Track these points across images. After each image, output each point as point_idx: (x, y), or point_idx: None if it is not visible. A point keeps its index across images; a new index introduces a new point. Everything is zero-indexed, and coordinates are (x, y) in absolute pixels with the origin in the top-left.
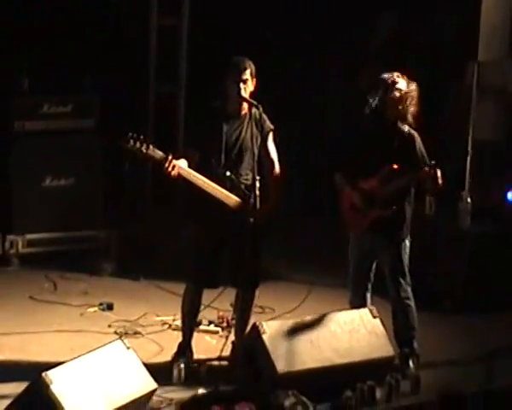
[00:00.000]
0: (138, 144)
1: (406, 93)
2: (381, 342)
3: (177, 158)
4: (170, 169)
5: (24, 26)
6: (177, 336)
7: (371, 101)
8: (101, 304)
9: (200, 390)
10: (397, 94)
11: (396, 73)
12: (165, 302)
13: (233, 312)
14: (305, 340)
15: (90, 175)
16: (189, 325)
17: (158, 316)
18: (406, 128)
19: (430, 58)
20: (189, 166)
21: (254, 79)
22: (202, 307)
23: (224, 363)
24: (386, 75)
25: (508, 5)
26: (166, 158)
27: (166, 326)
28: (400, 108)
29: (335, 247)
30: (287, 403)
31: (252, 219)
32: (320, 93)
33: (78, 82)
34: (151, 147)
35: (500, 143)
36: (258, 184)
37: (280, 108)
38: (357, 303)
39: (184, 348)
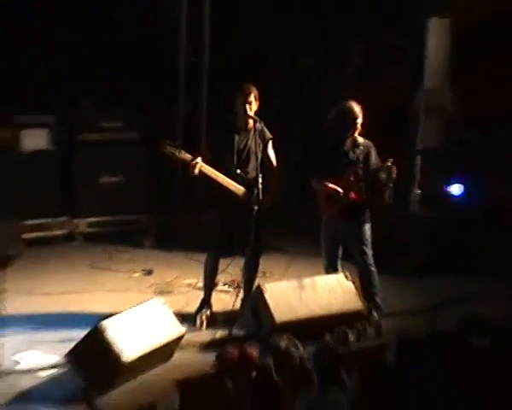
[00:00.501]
0: (172, 149)
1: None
2: (352, 298)
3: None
4: (193, 168)
5: (87, 60)
6: (200, 294)
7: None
8: (143, 270)
9: (217, 334)
10: (359, 123)
11: (357, 107)
12: (191, 269)
13: (242, 276)
14: (296, 297)
15: (134, 174)
16: (209, 285)
17: (185, 279)
18: (361, 140)
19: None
20: (203, 161)
21: (257, 101)
22: (219, 272)
23: (235, 314)
24: (354, 108)
25: (447, 44)
26: (192, 160)
27: (192, 287)
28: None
29: (318, 228)
30: (282, 344)
31: (256, 206)
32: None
33: (126, 102)
34: (182, 151)
35: (441, 149)
36: (260, 180)
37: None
38: (331, 270)
39: (205, 303)
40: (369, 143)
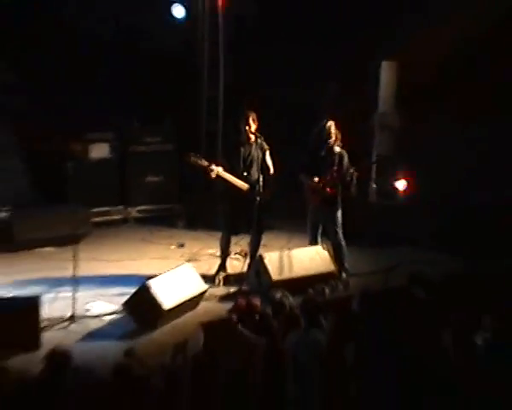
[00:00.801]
0: (195, 158)
1: (336, 134)
2: (327, 263)
3: (217, 165)
4: (210, 173)
5: (136, 90)
6: (218, 261)
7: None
8: (177, 243)
9: (231, 290)
10: (331, 139)
11: (332, 127)
12: (211, 243)
13: (248, 247)
14: (287, 262)
15: (170, 175)
16: (224, 254)
17: (208, 250)
18: (338, 149)
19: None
20: (224, 169)
21: (256, 122)
22: (231, 245)
23: (243, 275)
24: (327, 128)
25: (394, 80)
26: (209, 166)
27: (212, 256)
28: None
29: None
30: (277, 296)
31: (258, 198)
32: None
33: (161, 122)
34: (203, 160)
35: (390, 156)
36: (261, 179)
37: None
38: (313, 243)
39: (222, 267)
40: (343, 151)
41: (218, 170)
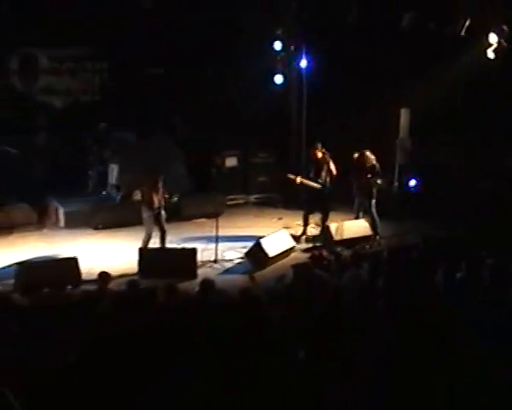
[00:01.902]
0: (288, 175)
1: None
2: (367, 230)
3: (297, 175)
4: (296, 181)
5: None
6: (301, 228)
7: None
8: (277, 217)
9: (309, 246)
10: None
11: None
12: (298, 217)
13: (320, 220)
14: (343, 229)
15: (273, 178)
16: (305, 225)
17: (296, 221)
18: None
19: None
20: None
21: (321, 146)
22: (310, 218)
23: (318, 238)
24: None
25: (408, 120)
26: (295, 178)
27: (298, 225)
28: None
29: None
30: (337, 250)
31: (326, 193)
32: None
33: (267, 146)
34: (291, 175)
35: (405, 165)
36: (328, 180)
37: None
38: (358, 217)
39: (304, 232)
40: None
41: (298, 179)
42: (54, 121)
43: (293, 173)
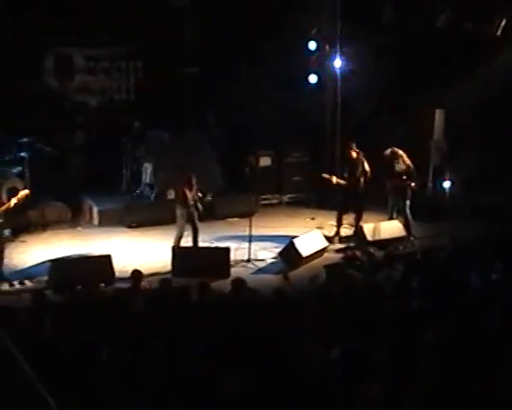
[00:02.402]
0: (324, 174)
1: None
2: (401, 230)
3: (331, 175)
4: (331, 180)
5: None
6: (334, 228)
7: None
8: (310, 217)
9: (343, 246)
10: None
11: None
12: (331, 217)
13: (354, 220)
14: (377, 230)
15: (307, 176)
16: (339, 224)
17: (329, 221)
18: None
19: None
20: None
21: (355, 147)
22: (343, 219)
23: (351, 238)
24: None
25: (442, 122)
26: (330, 178)
27: (331, 225)
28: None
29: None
30: (370, 250)
31: (359, 191)
32: None
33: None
34: (326, 175)
35: (439, 165)
36: (362, 180)
37: None
38: (392, 218)
39: (337, 232)
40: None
41: (334, 179)
42: (89, 120)
43: (327, 173)
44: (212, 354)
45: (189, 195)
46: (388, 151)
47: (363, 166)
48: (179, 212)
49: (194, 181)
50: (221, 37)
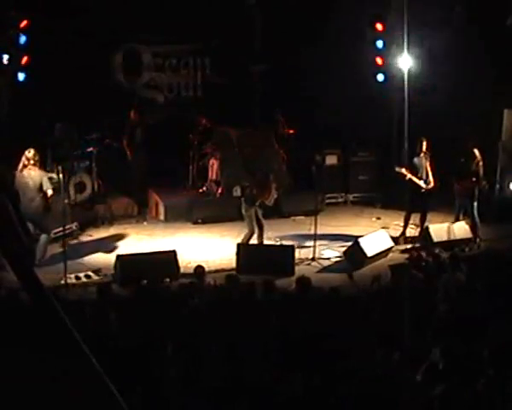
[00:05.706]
0: (398, 168)
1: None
2: (467, 232)
3: (406, 170)
4: (405, 177)
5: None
6: (401, 229)
7: None
8: (376, 217)
9: (408, 246)
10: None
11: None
12: (397, 217)
13: (420, 221)
14: (443, 231)
15: (373, 175)
16: (405, 224)
17: (395, 222)
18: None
19: None
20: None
21: (427, 147)
22: (411, 219)
23: (417, 238)
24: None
25: (511, 120)
26: (405, 174)
27: (397, 225)
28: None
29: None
30: (436, 251)
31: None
32: None
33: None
34: (402, 169)
35: (510, 166)
36: (427, 179)
37: None
38: (458, 220)
39: (403, 233)
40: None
41: (408, 175)
42: (156, 116)
43: (401, 166)
44: (275, 355)
45: (270, 196)
46: (472, 147)
47: (431, 165)
48: (247, 212)
49: (267, 180)
50: (289, 34)
